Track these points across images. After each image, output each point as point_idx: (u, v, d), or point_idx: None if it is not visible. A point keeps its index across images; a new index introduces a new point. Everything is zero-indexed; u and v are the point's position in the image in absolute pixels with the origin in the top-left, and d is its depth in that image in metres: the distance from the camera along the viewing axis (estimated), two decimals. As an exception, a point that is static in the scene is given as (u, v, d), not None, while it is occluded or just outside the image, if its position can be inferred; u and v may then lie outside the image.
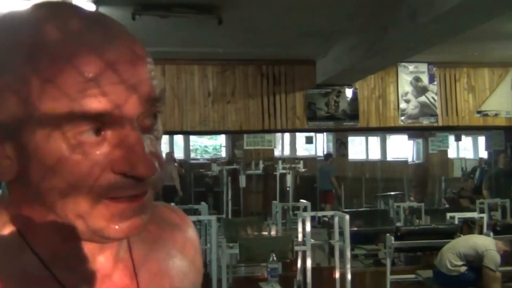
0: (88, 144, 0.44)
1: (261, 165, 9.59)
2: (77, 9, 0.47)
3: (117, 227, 0.46)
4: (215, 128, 4.93)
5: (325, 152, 10.15)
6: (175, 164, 8.65)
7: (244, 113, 4.94)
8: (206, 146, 12.25)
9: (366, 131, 7.94)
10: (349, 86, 5.29)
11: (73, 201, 0.45)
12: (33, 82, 0.43)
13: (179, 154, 10.45)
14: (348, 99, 5.31)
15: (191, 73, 4.84)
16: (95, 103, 0.43)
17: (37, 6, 0.47)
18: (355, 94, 5.33)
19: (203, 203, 6.06)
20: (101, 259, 0.51)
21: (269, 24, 3.79)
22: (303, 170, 9.41)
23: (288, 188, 8.61)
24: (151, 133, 0.48)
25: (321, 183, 9.08)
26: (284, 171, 8.84)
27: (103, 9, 3.05)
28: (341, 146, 11.03)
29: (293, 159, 10.06)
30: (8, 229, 0.49)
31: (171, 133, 6.64)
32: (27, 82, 0.44)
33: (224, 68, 4.90)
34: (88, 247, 0.50)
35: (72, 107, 0.43)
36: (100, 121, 0.44)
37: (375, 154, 11.87)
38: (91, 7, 2.93)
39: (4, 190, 0.52)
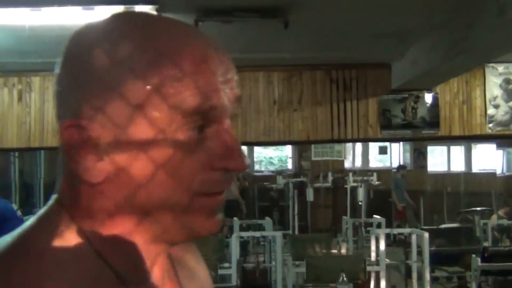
0: (193, 142, 0.50)
1: (330, 178, 9.47)
2: (166, 19, 0.54)
3: (210, 222, 0.52)
4: (280, 138, 4.91)
5: (401, 163, 9.83)
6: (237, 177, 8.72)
7: (312, 121, 4.89)
8: (271, 158, 12.29)
9: (448, 140, 7.57)
10: (429, 90, 5.08)
11: (173, 196, 0.49)
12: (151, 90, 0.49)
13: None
14: (428, 105, 5.10)
15: (256, 80, 4.88)
16: (210, 97, 0.49)
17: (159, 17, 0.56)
18: (435, 99, 5.11)
19: (267, 218, 6.08)
20: (156, 271, 0.55)
21: (339, 25, 3.73)
22: (376, 183, 9.16)
23: (360, 203, 8.40)
24: None
25: (399, 198, 8.79)
26: (355, 184, 8.66)
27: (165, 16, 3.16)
28: (420, 156, 10.65)
29: (365, 171, 9.83)
30: (77, 237, 0.51)
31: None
32: (167, 81, 0.49)
33: (291, 74, 4.89)
34: (149, 256, 0.53)
35: (189, 101, 0.49)
36: (206, 118, 0.50)
37: (458, 166, 11.32)
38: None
39: (61, 193, 0.54)
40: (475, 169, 11.05)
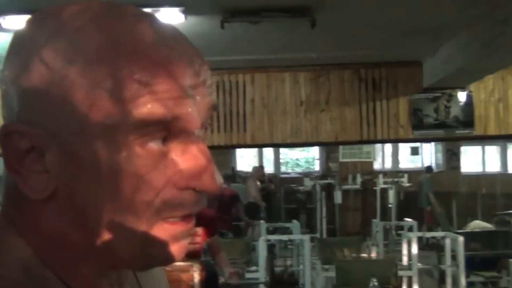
0: (154, 154, 0.43)
1: (358, 179, 9.36)
2: (157, 19, 0.47)
3: (172, 250, 0.45)
4: (308, 139, 4.88)
5: (429, 164, 9.66)
6: (256, 179, 8.66)
7: (340, 122, 4.84)
8: (297, 159, 12.24)
9: (483, 139, 7.39)
10: (463, 89, 4.96)
11: (129, 219, 0.43)
12: (127, 84, 0.42)
13: (268, 168, 10.55)
14: (461, 103, 4.98)
15: (282, 81, 4.86)
16: (173, 105, 0.43)
17: (131, 8, 0.47)
18: (469, 97, 4.98)
19: (294, 221, 6.04)
20: None
21: (367, 23, 3.68)
22: (407, 184, 9.00)
23: (390, 205, 8.28)
24: None
25: (419, 200, 8.64)
26: (385, 186, 8.53)
27: (191, 19, 3.17)
28: (452, 157, 10.43)
29: (395, 172, 9.67)
30: (29, 257, 0.46)
31: (260, 146, 6.72)
32: (121, 83, 0.42)
33: (318, 74, 4.85)
34: (114, 279, 0.50)
35: (148, 108, 0.42)
36: (168, 128, 0.43)
37: (493, 166, 11.06)
38: (180, 17, 3.05)
39: (5, 206, 0.48)
40: (512, 169, 10.78)
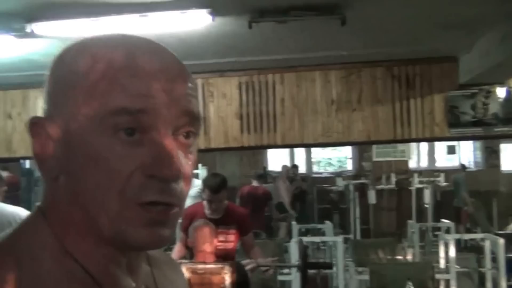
0: (123, 143, 0.52)
1: (393, 179, 9.20)
2: (134, 39, 0.58)
3: (145, 234, 0.52)
4: (339, 139, 4.82)
5: (471, 162, 9.41)
6: (286, 179, 8.61)
7: (373, 121, 4.76)
8: (329, 159, 12.13)
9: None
10: (501, 84, 4.81)
11: (103, 200, 0.52)
12: (91, 78, 0.54)
13: (300, 167, 10.49)
14: (501, 100, 4.82)
15: (312, 80, 4.82)
16: (139, 100, 0.52)
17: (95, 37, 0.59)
18: (509, 93, 4.82)
19: (327, 222, 5.99)
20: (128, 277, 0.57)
21: (399, 19, 3.61)
22: (444, 184, 8.79)
23: (426, 206, 8.10)
24: (185, 153, 0.55)
25: (455, 200, 8.38)
26: (421, 186, 8.35)
27: (219, 19, 3.17)
28: (492, 155, 10.13)
29: (431, 172, 9.47)
30: (47, 234, 0.55)
31: (291, 146, 6.68)
32: (103, 83, 0.53)
33: (349, 72, 4.79)
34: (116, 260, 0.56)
35: (117, 100, 0.52)
36: (137, 121, 0.52)
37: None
38: (207, 18, 3.07)
39: (43, 200, 0.59)
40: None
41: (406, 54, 4.63)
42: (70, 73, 0.55)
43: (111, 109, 0.52)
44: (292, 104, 4.80)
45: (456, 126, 4.80)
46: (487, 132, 4.91)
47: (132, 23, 2.96)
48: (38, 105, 5.05)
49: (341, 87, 4.77)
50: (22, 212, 2.27)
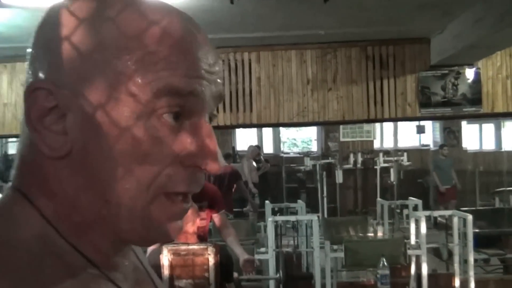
0: (167, 127, 0.46)
1: (359, 159, 9.32)
2: (184, 13, 0.51)
3: (169, 228, 0.48)
4: (315, 119, 4.79)
5: (436, 141, 9.61)
6: (251, 159, 8.54)
7: (347, 101, 4.75)
8: (294, 139, 12.16)
9: (491, 117, 7.34)
10: (470, 65, 4.88)
11: (135, 187, 0.45)
12: (136, 53, 0.45)
13: (268, 147, 10.46)
14: (469, 81, 4.90)
15: (288, 59, 4.74)
16: (192, 81, 0.46)
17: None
18: (477, 75, 4.91)
19: (300, 201, 5.99)
20: (125, 261, 0.53)
21: (379, -2, 3.58)
22: (407, 163, 8.98)
23: (392, 184, 8.25)
24: None
25: (442, 179, 8.42)
26: (386, 165, 8.49)
27: (201, -6, 3.04)
28: (450, 135, 10.41)
29: (395, 151, 9.65)
30: (40, 223, 0.47)
31: (266, 125, 6.61)
32: (146, 58, 0.46)
33: (325, 52, 4.74)
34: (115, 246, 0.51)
35: (171, 78, 0.45)
36: (184, 105, 0.46)
37: (489, 144, 11.10)
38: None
39: (18, 178, 0.50)
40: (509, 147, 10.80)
41: (381, 34, 4.62)
42: (112, 33, 0.46)
43: (164, 87, 0.45)
44: (268, 83, 4.71)
45: (427, 106, 4.86)
46: (456, 112, 4.99)
47: None
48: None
49: (316, 67, 4.72)
50: None
